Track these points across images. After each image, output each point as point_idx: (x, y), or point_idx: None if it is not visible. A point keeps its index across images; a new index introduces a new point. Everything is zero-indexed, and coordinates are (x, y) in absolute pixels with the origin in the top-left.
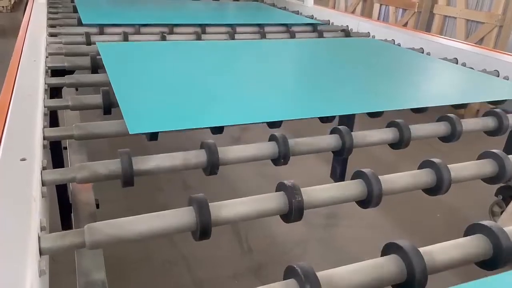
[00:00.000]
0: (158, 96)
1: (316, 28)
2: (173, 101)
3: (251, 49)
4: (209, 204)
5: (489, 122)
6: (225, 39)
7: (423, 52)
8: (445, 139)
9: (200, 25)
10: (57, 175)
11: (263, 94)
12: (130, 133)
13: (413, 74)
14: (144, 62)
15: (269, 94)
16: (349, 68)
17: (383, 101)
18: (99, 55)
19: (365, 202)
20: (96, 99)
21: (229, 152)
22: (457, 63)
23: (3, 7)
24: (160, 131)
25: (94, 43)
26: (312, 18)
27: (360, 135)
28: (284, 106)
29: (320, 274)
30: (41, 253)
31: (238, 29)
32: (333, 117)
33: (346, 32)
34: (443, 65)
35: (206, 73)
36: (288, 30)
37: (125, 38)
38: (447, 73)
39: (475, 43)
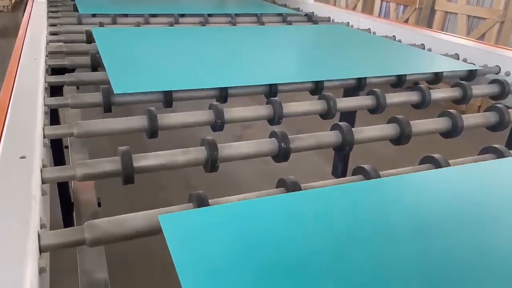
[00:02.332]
0: (143, 64)
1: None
2: (157, 68)
3: (231, 33)
4: (209, 201)
5: (491, 117)
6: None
7: (424, 48)
8: (446, 134)
9: (202, 15)
10: (56, 172)
11: (233, 66)
12: (115, 92)
13: (361, 51)
14: (134, 41)
15: (239, 65)
16: (311, 48)
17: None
18: (99, 53)
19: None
20: (97, 97)
21: (230, 148)
22: (458, 59)
23: (4, 6)
24: (161, 131)
25: (95, 42)
26: (313, 15)
27: (361, 131)
28: (251, 73)
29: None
30: (41, 250)
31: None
32: (334, 113)
33: None
34: (389, 43)
35: (193, 50)
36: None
37: None
38: (392, 50)
39: (476, 39)
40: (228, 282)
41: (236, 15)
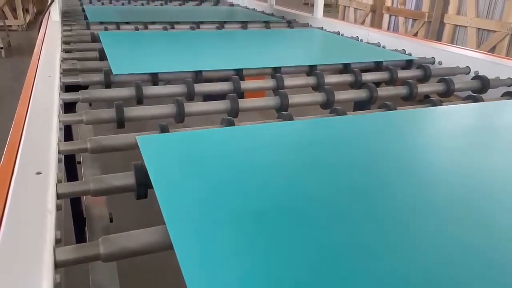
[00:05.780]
0: (140, 52)
1: None
2: (154, 56)
3: (223, 35)
4: None
5: None
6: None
7: (434, 62)
8: None
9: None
10: (71, 188)
11: (212, 57)
12: (114, 73)
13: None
14: (135, 38)
15: (218, 57)
16: (283, 46)
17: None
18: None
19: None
20: (110, 113)
21: None
22: (469, 72)
23: (18, 26)
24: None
25: (107, 59)
26: (322, 30)
27: None
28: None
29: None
30: (56, 265)
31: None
32: None
33: None
34: (348, 41)
35: (188, 46)
36: None
37: None
38: (351, 47)
39: (487, 52)
40: (196, 195)
41: (244, 28)
